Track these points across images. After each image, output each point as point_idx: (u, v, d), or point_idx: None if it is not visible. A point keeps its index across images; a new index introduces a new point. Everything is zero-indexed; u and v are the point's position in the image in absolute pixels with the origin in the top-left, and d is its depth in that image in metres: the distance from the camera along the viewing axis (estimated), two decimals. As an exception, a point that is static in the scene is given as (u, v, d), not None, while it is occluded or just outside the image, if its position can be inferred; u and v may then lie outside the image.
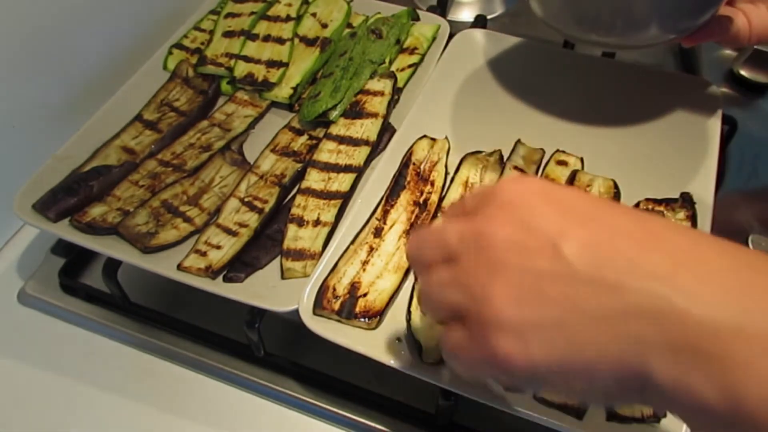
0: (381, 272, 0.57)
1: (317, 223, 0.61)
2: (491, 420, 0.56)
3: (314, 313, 0.54)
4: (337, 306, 0.54)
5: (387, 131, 0.69)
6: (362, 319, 0.53)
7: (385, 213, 0.61)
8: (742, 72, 0.82)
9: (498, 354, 0.33)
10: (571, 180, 0.64)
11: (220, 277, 0.59)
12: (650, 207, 0.61)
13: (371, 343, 0.53)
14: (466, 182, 0.64)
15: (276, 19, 0.79)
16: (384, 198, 0.62)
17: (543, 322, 0.32)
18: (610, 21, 0.58)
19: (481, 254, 0.34)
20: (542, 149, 0.68)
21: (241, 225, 0.62)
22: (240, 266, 0.59)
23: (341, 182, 0.64)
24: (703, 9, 0.57)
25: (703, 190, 0.61)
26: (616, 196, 0.62)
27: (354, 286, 0.55)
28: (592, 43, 0.64)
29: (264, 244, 0.61)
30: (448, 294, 0.36)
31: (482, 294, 0.34)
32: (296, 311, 0.54)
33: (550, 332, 0.32)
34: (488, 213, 0.35)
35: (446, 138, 0.68)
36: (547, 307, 0.32)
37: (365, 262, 0.57)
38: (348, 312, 0.53)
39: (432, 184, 0.63)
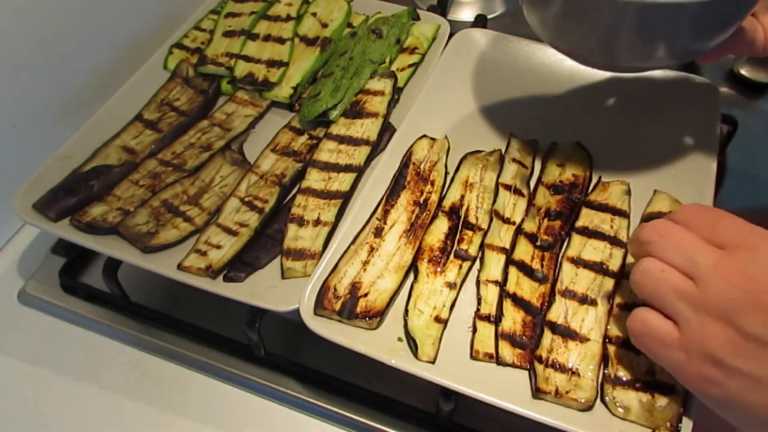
0: (382, 272, 0.57)
1: (317, 222, 0.61)
2: (491, 420, 0.56)
3: (315, 314, 0.54)
4: (338, 306, 0.54)
5: (387, 131, 0.69)
6: (363, 319, 0.53)
7: (386, 213, 0.61)
8: (742, 72, 0.82)
9: (702, 375, 0.42)
10: (593, 187, 0.64)
11: (221, 277, 0.59)
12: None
13: (371, 343, 0.53)
14: (466, 182, 0.64)
15: (276, 18, 0.79)
16: (384, 198, 0.62)
17: (747, 374, 0.40)
18: (623, 50, 0.55)
19: (713, 309, 0.41)
20: (535, 140, 0.68)
21: (242, 225, 0.62)
22: (240, 266, 0.59)
23: (341, 182, 0.64)
24: (717, 37, 0.54)
25: (703, 190, 0.61)
26: (627, 193, 0.63)
27: (355, 287, 0.55)
28: (601, 67, 0.63)
29: (264, 244, 0.61)
30: (678, 307, 0.43)
31: (708, 333, 0.41)
32: (296, 311, 0.54)
33: (750, 383, 0.40)
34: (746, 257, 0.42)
35: (446, 138, 0.68)
36: (756, 366, 0.40)
37: (366, 262, 0.57)
38: (349, 312, 0.53)
39: (432, 184, 0.63)
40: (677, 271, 0.43)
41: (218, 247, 0.60)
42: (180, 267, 0.58)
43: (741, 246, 0.42)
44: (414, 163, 0.65)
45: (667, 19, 0.50)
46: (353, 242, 0.58)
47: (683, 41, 0.54)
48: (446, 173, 0.65)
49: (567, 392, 0.49)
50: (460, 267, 0.58)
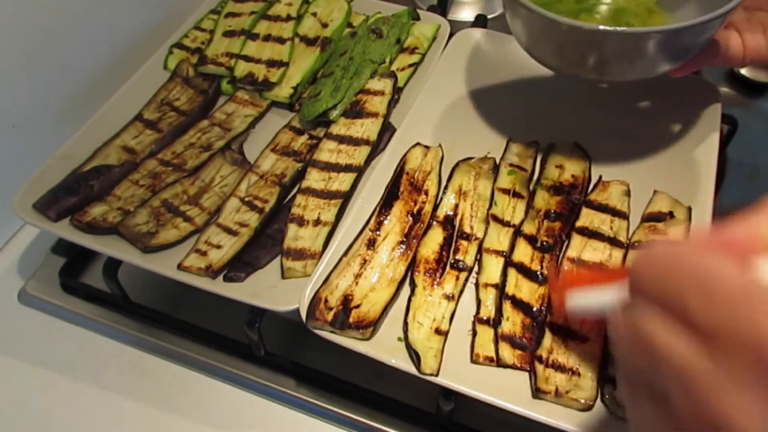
0: (374, 285, 0.56)
1: (317, 222, 0.61)
2: (491, 420, 0.56)
3: (307, 325, 0.53)
4: (330, 317, 0.53)
5: (387, 131, 0.69)
6: (356, 329, 0.53)
7: (379, 224, 0.60)
8: (742, 72, 0.82)
9: None
10: (594, 186, 0.64)
11: (221, 277, 0.59)
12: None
13: (371, 343, 0.53)
14: (459, 190, 0.63)
15: (276, 18, 0.79)
16: (377, 209, 0.61)
17: None
18: (597, 66, 0.57)
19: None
20: (536, 141, 0.68)
21: (242, 224, 0.62)
22: (240, 266, 0.59)
23: (341, 182, 0.64)
24: (686, 54, 0.56)
25: (704, 189, 0.61)
26: (626, 194, 0.63)
27: (347, 298, 0.55)
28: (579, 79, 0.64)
29: (264, 244, 0.61)
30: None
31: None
32: (296, 311, 0.54)
33: None
34: (733, 372, 0.25)
35: (440, 146, 0.67)
36: None
37: (358, 275, 0.56)
38: (341, 323, 0.53)
39: (426, 194, 0.63)
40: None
41: (218, 246, 0.60)
42: (180, 267, 0.58)
43: (719, 329, 0.26)
44: (407, 173, 0.64)
45: (622, 44, 0.53)
46: (345, 254, 0.57)
47: (648, 62, 0.56)
48: (440, 182, 0.65)
49: (567, 392, 0.49)
50: (457, 278, 0.57)
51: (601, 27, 0.51)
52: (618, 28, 0.51)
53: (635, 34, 0.52)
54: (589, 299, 0.41)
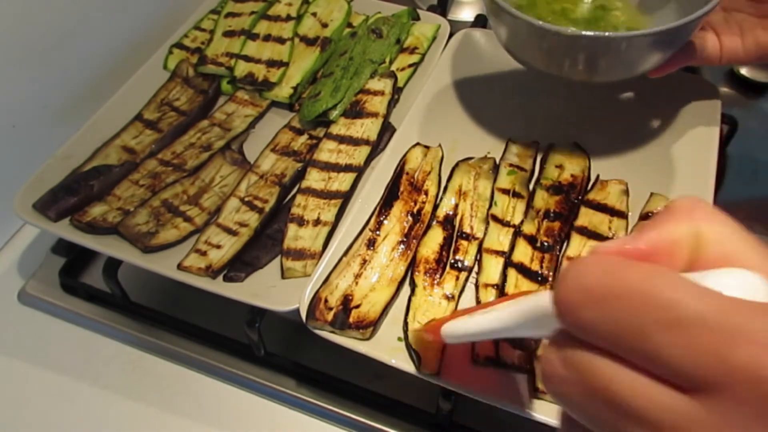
0: (374, 285, 0.56)
1: (317, 222, 0.61)
2: (491, 420, 0.56)
3: (307, 325, 0.53)
4: (330, 317, 0.53)
5: (387, 131, 0.69)
6: (356, 329, 0.53)
7: (379, 224, 0.60)
8: (742, 72, 0.82)
9: None
10: (592, 185, 0.64)
11: (221, 277, 0.59)
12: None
13: (372, 343, 0.53)
14: (459, 190, 0.63)
15: (276, 18, 0.79)
16: (377, 209, 0.61)
17: None
18: (576, 67, 0.57)
19: None
20: (536, 141, 0.68)
21: (242, 224, 0.62)
22: (240, 266, 0.59)
23: (341, 182, 0.64)
24: (662, 57, 0.57)
25: (703, 189, 0.61)
26: (625, 193, 0.63)
27: (347, 298, 0.55)
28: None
29: (264, 244, 0.61)
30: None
31: None
32: (296, 311, 0.54)
33: None
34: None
35: (440, 146, 0.67)
36: None
37: (358, 275, 0.56)
38: (341, 323, 0.53)
39: (426, 194, 0.63)
40: None
41: (218, 246, 0.60)
42: (180, 267, 0.58)
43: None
44: (407, 173, 0.64)
45: (596, 48, 0.54)
46: (345, 254, 0.57)
47: (624, 64, 0.57)
48: (440, 182, 0.64)
49: (567, 392, 0.49)
50: (457, 278, 0.57)
51: (571, 31, 0.52)
52: (590, 33, 0.52)
53: (609, 38, 0.52)
54: (462, 326, 0.39)
